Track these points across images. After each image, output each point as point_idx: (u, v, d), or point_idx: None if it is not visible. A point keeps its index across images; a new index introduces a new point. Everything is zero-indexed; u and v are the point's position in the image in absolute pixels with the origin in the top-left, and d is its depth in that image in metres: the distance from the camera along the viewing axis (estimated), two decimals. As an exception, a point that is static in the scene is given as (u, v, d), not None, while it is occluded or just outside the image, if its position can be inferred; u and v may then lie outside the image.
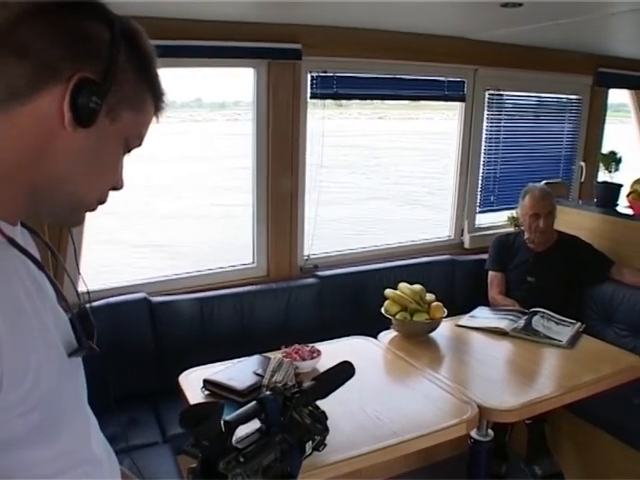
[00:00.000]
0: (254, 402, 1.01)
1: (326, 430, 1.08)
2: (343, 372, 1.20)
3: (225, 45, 2.98)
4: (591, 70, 4.30)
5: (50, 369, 0.79)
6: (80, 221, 0.90)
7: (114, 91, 0.80)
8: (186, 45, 2.86)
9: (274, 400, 1.02)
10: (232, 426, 0.94)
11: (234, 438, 0.94)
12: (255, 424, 1.00)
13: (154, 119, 0.90)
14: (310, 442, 1.06)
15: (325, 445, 1.09)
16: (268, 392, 1.05)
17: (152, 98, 0.87)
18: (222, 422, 0.92)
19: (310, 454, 1.07)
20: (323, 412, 1.08)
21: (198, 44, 2.91)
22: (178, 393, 2.32)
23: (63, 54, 0.76)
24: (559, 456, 3.15)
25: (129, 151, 0.89)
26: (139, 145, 0.89)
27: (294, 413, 1.04)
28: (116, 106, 0.81)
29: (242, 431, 0.97)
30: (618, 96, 4.68)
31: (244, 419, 0.97)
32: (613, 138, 4.12)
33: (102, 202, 0.89)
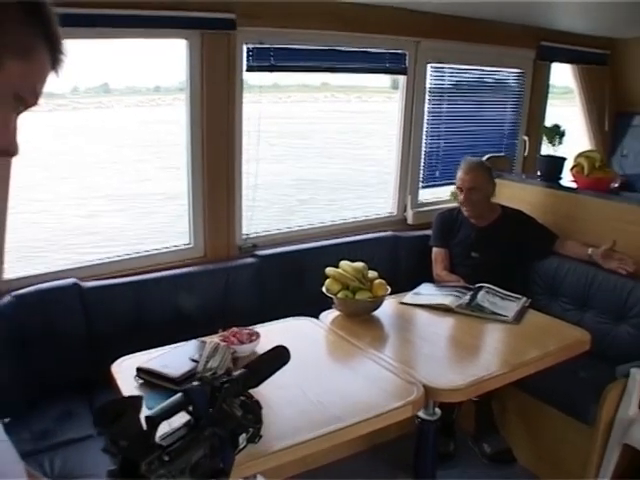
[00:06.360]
0: (179, 394, 0.93)
1: (259, 422, 1.01)
2: (277, 358, 1.13)
3: (155, 14, 2.83)
4: (534, 44, 4.32)
5: None
6: None
7: None
8: (113, 14, 2.71)
9: (201, 391, 0.95)
10: (155, 422, 0.85)
11: (158, 435, 0.86)
12: (183, 418, 0.92)
13: (52, 73, 0.76)
14: (244, 434, 0.99)
15: (261, 437, 1.02)
16: (195, 382, 0.96)
17: (46, 45, 0.73)
18: (144, 418, 0.84)
19: (245, 447, 1.00)
20: (256, 401, 1.02)
21: (126, 13, 2.74)
22: (111, 383, 2.20)
23: None
24: (507, 432, 3.16)
25: (22, 110, 0.75)
26: (34, 103, 0.75)
27: (224, 404, 0.96)
28: None
29: (176, 422, 0.91)
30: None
31: (168, 413, 0.89)
32: (565, 119, 4.12)
33: None
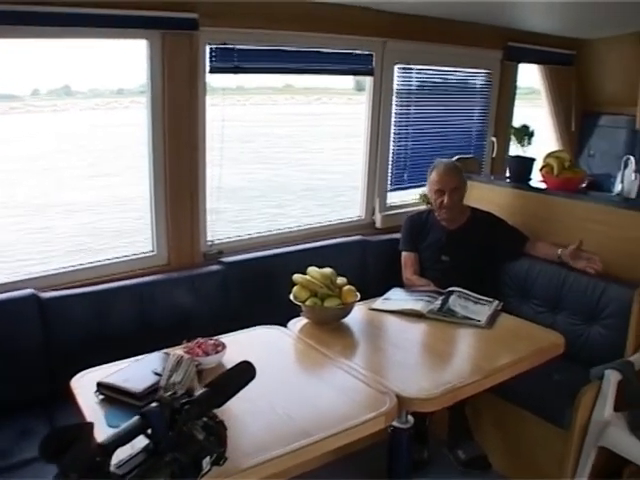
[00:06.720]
0: (136, 417, 0.88)
1: (223, 444, 0.96)
2: (241, 375, 1.08)
3: (113, 14, 2.74)
4: (501, 44, 4.34)
5: None
6: None
7: None
8: (70, 13, 2.61)
9: (160, 413, 0.90)
10: (109, 450, 0.81)
11: (114, 462, 0.82)
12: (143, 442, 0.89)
13: None
14: (208, 457, 0.93)
15: (226, 459, 0.97)
16: (154, 404, 0.91)
17: None
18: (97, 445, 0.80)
19: (209, 470, 0.95)
20: (221, 422, 0.97)
21: (84, 12, 2.65)
22: (70, 398, 2.09)
23: None
24: (481, 438, 3.11)
25: None
26: None
27: (184, 427, 0.91)
28: None
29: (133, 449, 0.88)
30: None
31: (124, 439, 0.85)
32: (529, 120, 4.12)
33: None
